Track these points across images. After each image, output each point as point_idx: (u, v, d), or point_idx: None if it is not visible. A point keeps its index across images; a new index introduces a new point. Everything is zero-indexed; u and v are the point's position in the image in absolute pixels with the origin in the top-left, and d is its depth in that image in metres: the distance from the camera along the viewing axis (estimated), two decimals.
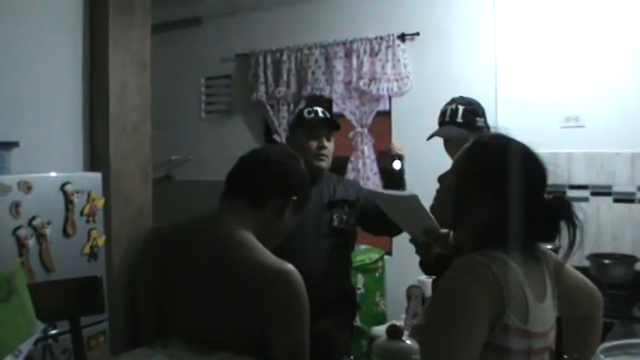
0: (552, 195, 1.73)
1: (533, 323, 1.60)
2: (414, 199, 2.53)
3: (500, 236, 1.65)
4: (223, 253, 1.87)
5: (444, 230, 2.47)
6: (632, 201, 4.16)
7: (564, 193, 4.21)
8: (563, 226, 1.70)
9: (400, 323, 4.19)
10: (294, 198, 2.05)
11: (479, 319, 1.54)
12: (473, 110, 2.99)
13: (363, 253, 4.82)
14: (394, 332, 1.39)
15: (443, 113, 3.03)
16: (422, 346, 1.58)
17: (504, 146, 1.74)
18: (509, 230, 1.64)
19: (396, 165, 3.05)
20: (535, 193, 1.69)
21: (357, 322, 4.14)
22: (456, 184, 1.80)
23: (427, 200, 3.09)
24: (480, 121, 2.99)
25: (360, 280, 4.67)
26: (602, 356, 1.71)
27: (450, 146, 2.97)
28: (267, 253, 1.89)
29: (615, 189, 4.22)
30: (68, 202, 3.57)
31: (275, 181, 2.03)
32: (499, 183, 1.66)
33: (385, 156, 3.12)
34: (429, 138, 3.04)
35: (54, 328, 3.21)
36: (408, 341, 1.40)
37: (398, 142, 3.15)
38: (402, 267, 4.44)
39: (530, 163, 1.71)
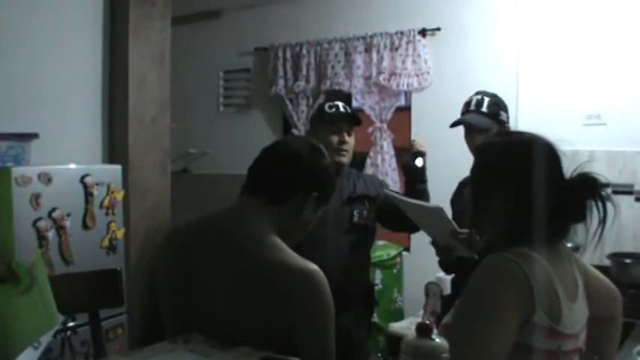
0: (577, 174, 1.71)
1: (565, 324, 1.58)
2: (439, 211, 2.54)
3: (529, 232, 1.63)
4: (245, 252, 1.85)
5: (465, 230, 2.46)
6: None
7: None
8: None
9: (418, 320, 4.18)
10: (315, 194, 2.02)
11: (508, 318, 1.52)
12: (497, 103, 2.99)
13: (382, 249, 4.80)
14: (424, 330, 1.37)
15: (468, 103, 3.01)
16: (450, 345, 1.56)
17: (513, 140, 1.76)
18: (536, 224, 1.62)
19: (419, 162, 3.04)
20: (555, 178, 1.68)
21: (375, 318, 4.13)
22: (476, 185, 1.80)
23: (447, 196, 3.10)
24: (502, 115, 2.98)
25: (377, 276, 4.66)
26: (638, 358, 1.69)
27: (471, 136, 2.95)
28: (290, 252, 1.86)
29: (637, 188, 4.17)
30: (88, 194, 3.58)
31: (295, 178, 1.98)
32: (517, 177, 1.67)
33: (407, 153, 3.10)
34: (453, 125, 3.01)
35: (73, 320, 3.21)
36: (437, 339, 1.38)
37: (420, 139, 3.12)
38: (420, 263, 4.43)
39: (541, 150, 1.70)
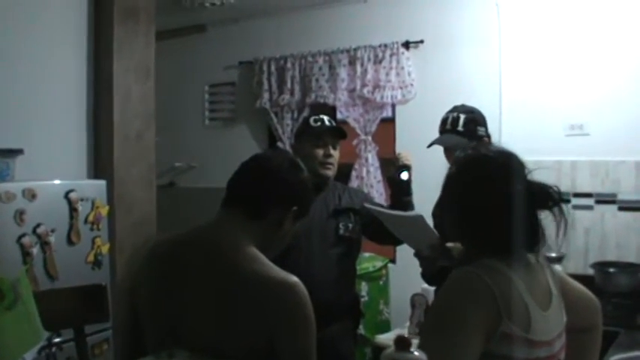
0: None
1: (535, 332, 1.60)
2: (419, 220, 2.54)
3: (494, 244, 1.66)
4: (226, 265, 1.86)
5: (450, 244, 2.48)
6: (636, 209, 4.14)
7: (567, 201, 4.20)
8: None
9: (404, 331, 4.19)
10: (295, 209, 2.03)
11: (471, 331, 1.54)
12: (474, 119, 2.98)
13: (367, 261, 4.81)
14: (402, 343, 1.38)
15: (444, 121, 3.01)
16: None
17: (486, 156, 1.77)
18: (501, 238, 1.65)
19: (404, 176, 3.05)
20: (520, 191, 1.68)
21: (361, 330, 4.13)
22: (445, 198, 1.84)
23: (431, 207, 3.11)
24: (480, 130, 2.97)
25: (363, 287, 4.66)
26: None
27: (450, 155, 2.95)
28: (271, 265, 1.88)
29: (620, 197, 4.20)
30: (72, 209, 3.57)
31: (274, 194, 2.00)
32: (482, 191, 1.70)
33: (392, 166, 3.11)
34: (430, 146, 3.03)
35: (58, 336, 3.20)
36: (416, 352, 1.38)
37: (405, 153, 3.13)
38: (406, 275, 4.43)
39: (507, 164, 1.72)
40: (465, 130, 2.92)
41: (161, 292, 1.93)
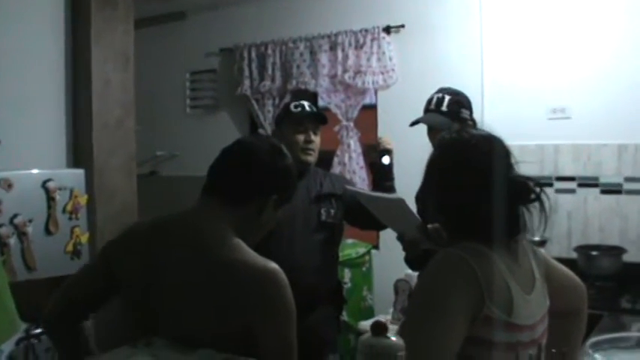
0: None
1: (517, 315, 1.59)
2: (400, 203, 2.54)
3: (478, 228, 1.65)
4: (205, 253, 1.83)
5: (431, 226, 2.47)
6: (619, 192, 4.15)
7: (550, 184, 4.22)
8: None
9: (388, 317, 4.19)
10: (275, 197, 2.00)
11: (455, 313, 1.53)
12: (458, 101, 2.99)
13: (350, 247, 4.80)
14: (379, 329, 1.36)
15: (429, 101, 3.03)
16: (405, 342, 1.57)
17: (465, 138, 1.76)
18: (485, 221, 1.64)
19: (385, 160, 3.05)
20: (504, 175, 1.68)
21: (344, 316, 4.13)
22: (428, 180, 1.84)
23: (414, 192, 3.10)
24: (464, 113, 2.98)
25: (346, 274, 4.65)
26: (590, 351, 1.69)
27: (433, 135, 2.96)
28: (250, 252, 1.85)
29: (602, 180, 4.21)
30: (50, 199, 3.53)
31: (255, 181, 1.98)
32: (467, 174, 1.69)
33: (374, 150, 3.12)
34: (412, 124, 3.04)
35: (37, 327, 3.17)
36: (393, 338, 1.37)
37: (387, 137, 3.14)
38: (389, 261, 4.43)
39: (491, 148, 1.71)
40: (448, 110, 2.93)
41: (140, 278, 1.90)
